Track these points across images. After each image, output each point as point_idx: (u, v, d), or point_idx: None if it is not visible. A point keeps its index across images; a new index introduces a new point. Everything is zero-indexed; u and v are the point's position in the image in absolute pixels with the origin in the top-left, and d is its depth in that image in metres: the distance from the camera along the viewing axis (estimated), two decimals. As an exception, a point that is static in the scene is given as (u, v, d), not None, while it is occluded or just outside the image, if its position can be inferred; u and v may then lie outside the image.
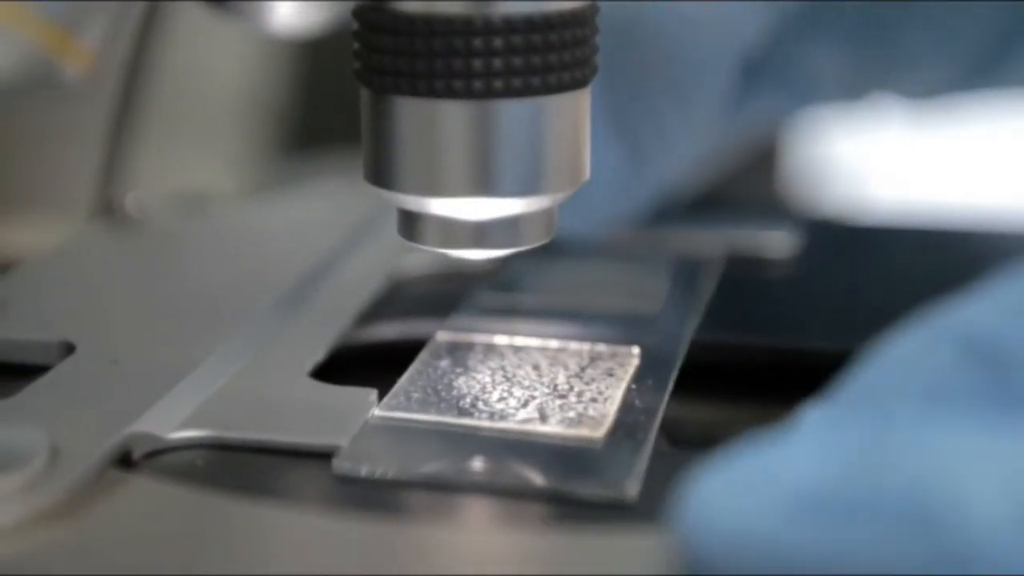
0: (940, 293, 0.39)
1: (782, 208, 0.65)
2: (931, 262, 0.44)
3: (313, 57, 0.71)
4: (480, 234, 0.30)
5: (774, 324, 0.39)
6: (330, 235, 0.41)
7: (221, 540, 0.26)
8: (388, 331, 0.36)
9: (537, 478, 0.28)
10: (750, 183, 0.81)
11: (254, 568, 0.25)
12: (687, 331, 0.35)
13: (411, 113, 0.29)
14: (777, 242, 0.42)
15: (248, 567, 0.25)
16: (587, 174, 0.31)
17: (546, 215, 0.31)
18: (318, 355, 0.34)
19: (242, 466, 0.29)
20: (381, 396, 0.31)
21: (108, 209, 0.44)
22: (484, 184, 0.29)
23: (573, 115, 0.30)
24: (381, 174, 0.30)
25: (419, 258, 0.40)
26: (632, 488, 0.27)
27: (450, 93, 0.29)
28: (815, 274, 0.42)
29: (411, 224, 0.31)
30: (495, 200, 0.30)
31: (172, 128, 0.58)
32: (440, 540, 0.26)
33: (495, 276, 0.39)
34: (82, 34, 0.32)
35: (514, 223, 0.30)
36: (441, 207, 0.30)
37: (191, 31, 0.47)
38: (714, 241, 0.42)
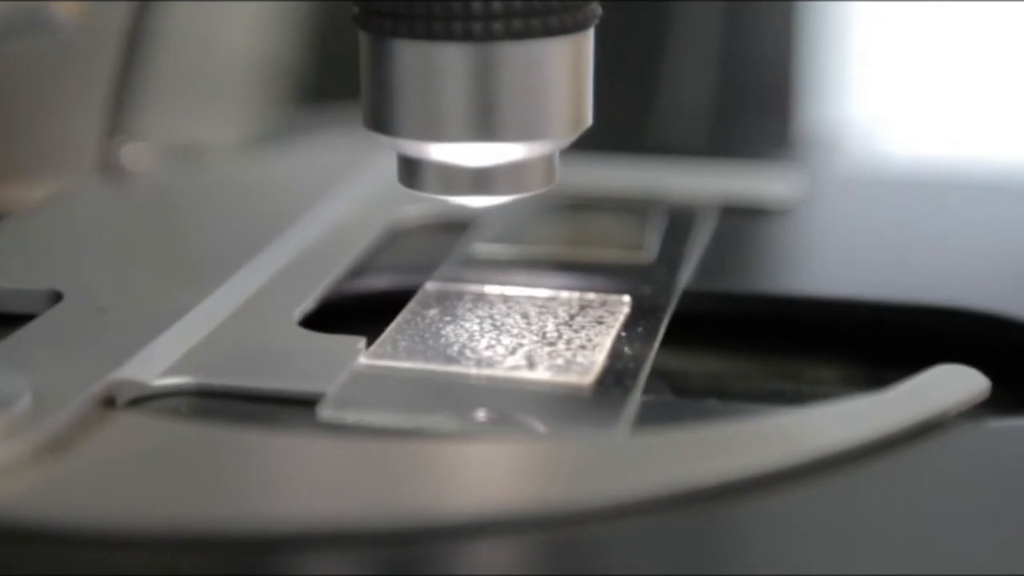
0: (935, 245, 0.40)
1: (789, 159, 0.65)
2: (931, 214, 0.43)
3: (326, 9, 0.71)
4: (481, 180, 0.30)
5: (767, 273, 0.39)
6: (328, 186, 0.41)
7: (208, 465, 0.26)
8: (382, 281, 0.36)
9: (525, 424, 0.28)
10: (764, 136, 0.81)
11: (247, 492, 0.25)
12: (679, 280, 0.35)
13: (410, 57, 0.29)
14: (775, 193, 0.42)
15: (239, 491, 0.25)
16: (590, 119, 0.31)
17: (548, 160, 0.31)
18: (308, 304, 0.33)
19: (227, 412, 0.29)
20: (370, 345, 0.31)
21: (104, 162, 0.43)
22: (485, 129, 0.29)
23: (575, 59, 0.30)
24: (380, 119, 0.30)
25: (417, 209, 0.39)
26: (621, 434, 0.27)
27: (449, 36, 0.28)
28: (813, 225, 0.42)
29: (411, 171, 0.31)
30: (496, 145, 0.29)
31: (179, 83, 0.58)
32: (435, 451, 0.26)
33: (489, 227, 0.38)
34: None
35: (516, 169, 0.30)
36: (441, 152, 0.30)
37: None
38: (711, 191, 0.42)
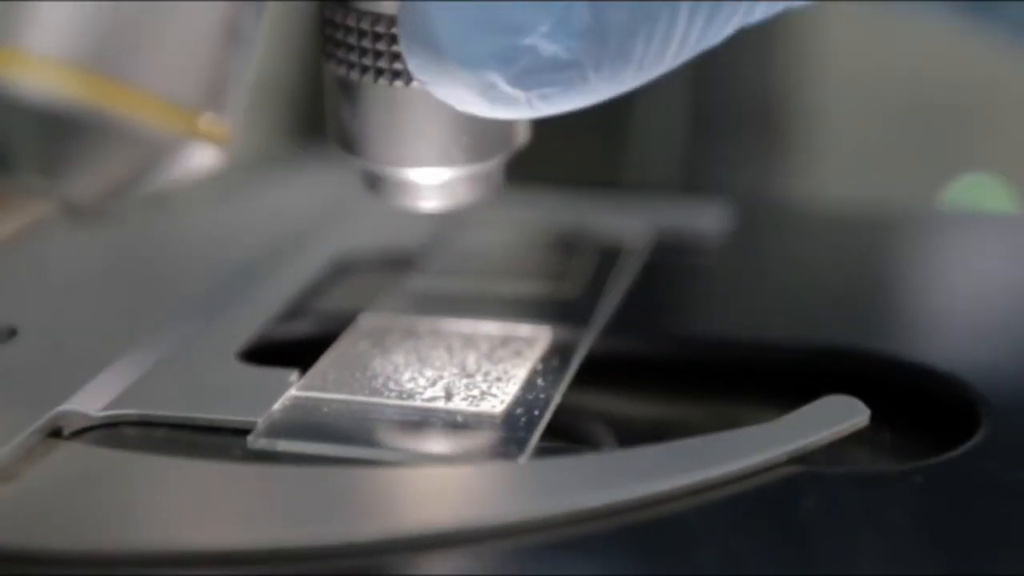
0: (860, 283, 0.42)
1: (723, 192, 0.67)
2: (859, 251, 0.45)
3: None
4: (435, 192, 0.33)
5: (687, 314, 0.41)
6: (280, 223, 0.43)
7: (144, 490, 0.29)
8: (322, 315, 0.39)
9: (436, 451, 0.30)
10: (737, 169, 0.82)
11: (180, 515, 0.27)
12: (601, 315, 0.37)
13: (372, 91, 0.32)
14: (706, 229, 0.44)
15: (173, 514, 0.27)
16: (522, 139, 0.34)
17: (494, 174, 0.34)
18: (249, 338, 0.36)
19: (166, 441, 0.31)
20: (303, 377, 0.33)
21: (66, 200, 0.46)
22: (437, 154, 0.32)
23: None
24: (348, 142, 0.33)
25: (361, 245, 0.42)
26: (523, 459, 0.29)
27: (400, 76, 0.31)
28: (742, 264, 0.44)
29: (375, 184, 0.34)
30: (436, 169, 0.32)
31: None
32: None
33: (427, 262, 0.41)
34: (221, 110, 0.29)
35: (455, 183, 0.33)
36: (406, 174, 0.33)
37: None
38: (643, 228, 0.44)
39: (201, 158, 0.29)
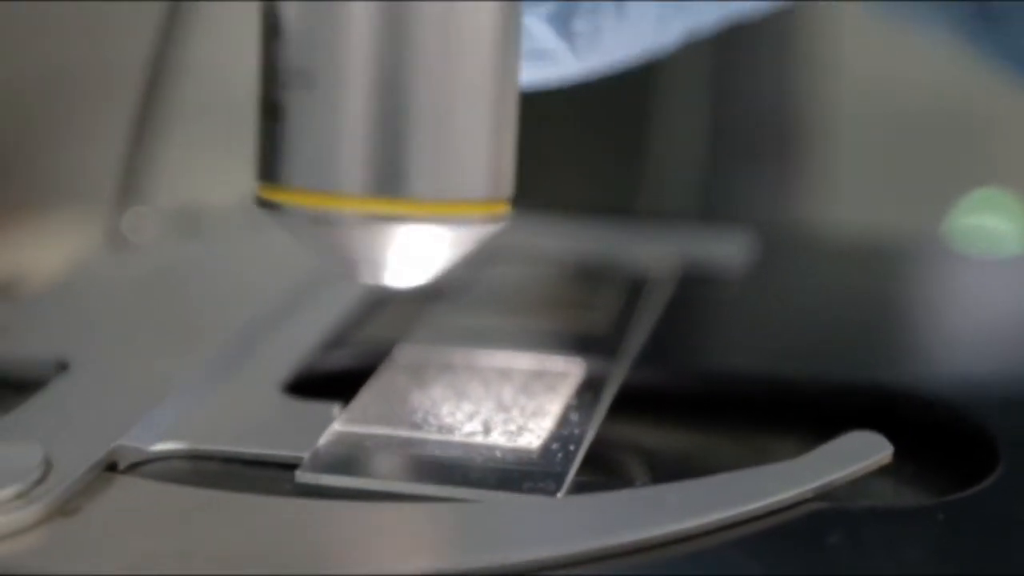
0: (890, 313, 0.43)
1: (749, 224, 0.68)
2: (883, 280, 0.47)
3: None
4: None
5: (713, 347, 0.42)
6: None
7: (198, 524, 0.30)
8: (360, 347, 0.40)
9: (476, 486, 0.31)
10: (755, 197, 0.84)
11: (238, 546, 0.28)
12: (632, 349, 0.39)
13: None
14: (729, 258, 0.45)
15: (231, 545, 0.28)
16: None
17: None
18: (290, 371, 0.37)
19: (216, 474, 0.32)
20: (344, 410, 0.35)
21: (109, 232, 0.47)
22: None
23: None
24: None
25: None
26: (561, 494, 0.30)
27: None
28: (766, 295, 0.45)
29: None
30: None
31: (195, 127, 0.60)
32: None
33: (458, 295, 0.42)
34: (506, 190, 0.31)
35: None
36: None
37: (213, 30, 0.50)
38: (668, 259, 0.45)
39: (487, 228, 0.31)
